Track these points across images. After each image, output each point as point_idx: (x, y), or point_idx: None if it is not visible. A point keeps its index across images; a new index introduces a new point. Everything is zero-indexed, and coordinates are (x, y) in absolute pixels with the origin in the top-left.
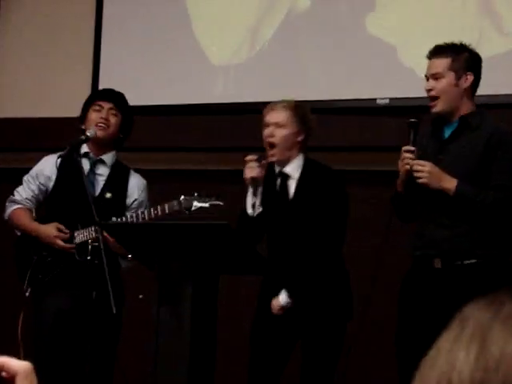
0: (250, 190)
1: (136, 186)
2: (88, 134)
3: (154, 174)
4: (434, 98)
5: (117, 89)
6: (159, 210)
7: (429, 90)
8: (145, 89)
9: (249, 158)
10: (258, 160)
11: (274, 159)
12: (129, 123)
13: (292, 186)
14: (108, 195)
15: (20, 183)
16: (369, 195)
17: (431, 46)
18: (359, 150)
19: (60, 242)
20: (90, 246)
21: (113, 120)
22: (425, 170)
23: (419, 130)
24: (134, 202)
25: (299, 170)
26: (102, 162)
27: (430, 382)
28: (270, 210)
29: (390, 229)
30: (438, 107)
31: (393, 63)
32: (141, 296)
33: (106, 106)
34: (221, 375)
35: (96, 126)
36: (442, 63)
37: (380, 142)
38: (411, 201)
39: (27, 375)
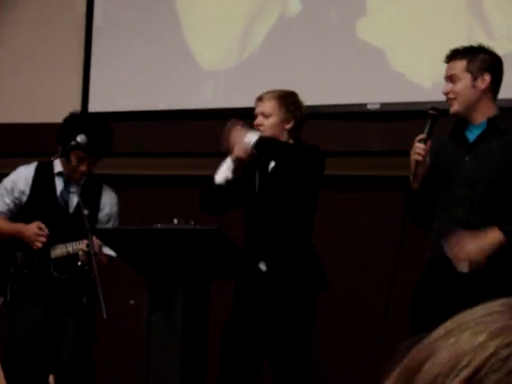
0: (230, 164)
1: (108, 200)
2: (79, 139)
3: (140, 179)
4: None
5: (106, 94)
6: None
7: (446, 93)
8: (134, 94)
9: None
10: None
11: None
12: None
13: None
14: (85, 212)
15: None
16: (365, 201)
17: (421, 50)
18: (349, 156)
19: (40, 245)
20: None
21: (91, 168)
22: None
23: (436, 124)
24: (104, 216)
25: None
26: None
27: None
28: (250, 190)
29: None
30: (453, 108)
31: (383, 68)
32: (132, 302)
33: (89, 159)
34: (212, 379)
35: (74, 172)
36: (458, 65)
37: (370, 147)
38: (426, 201)
39: None
